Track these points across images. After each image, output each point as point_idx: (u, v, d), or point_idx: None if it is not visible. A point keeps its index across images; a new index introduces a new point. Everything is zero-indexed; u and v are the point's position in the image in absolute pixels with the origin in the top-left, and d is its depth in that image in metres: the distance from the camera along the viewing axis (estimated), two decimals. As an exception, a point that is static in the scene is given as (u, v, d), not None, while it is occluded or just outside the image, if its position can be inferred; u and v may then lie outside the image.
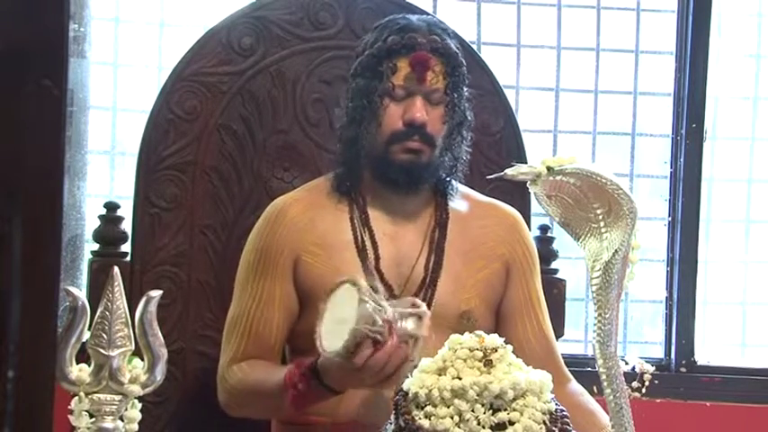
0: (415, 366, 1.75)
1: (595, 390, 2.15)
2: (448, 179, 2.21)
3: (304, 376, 1.94)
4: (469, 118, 2.20)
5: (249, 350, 2.15)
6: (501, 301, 2.23)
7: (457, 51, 2.16)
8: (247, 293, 2.17)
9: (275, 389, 2.00)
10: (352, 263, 2.14)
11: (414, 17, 2.19)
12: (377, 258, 2.16)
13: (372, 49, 2.16)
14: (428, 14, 2.44)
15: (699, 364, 3.18)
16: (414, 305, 1.88)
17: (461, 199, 2.26)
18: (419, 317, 1.87)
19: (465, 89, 2.18)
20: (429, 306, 2.12)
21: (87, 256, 2.54)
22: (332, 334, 1.84)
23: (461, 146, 2.19)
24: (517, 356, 1.74)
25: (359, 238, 2.17)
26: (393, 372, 1.84)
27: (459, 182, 2.24)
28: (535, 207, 2.33)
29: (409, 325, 1.85)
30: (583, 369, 2.42)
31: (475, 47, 2.95)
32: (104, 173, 3.06)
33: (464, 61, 2.18)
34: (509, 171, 1.72)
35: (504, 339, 1.75)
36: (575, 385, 2.21)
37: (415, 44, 2.13)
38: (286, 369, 2.00)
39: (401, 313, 1.86)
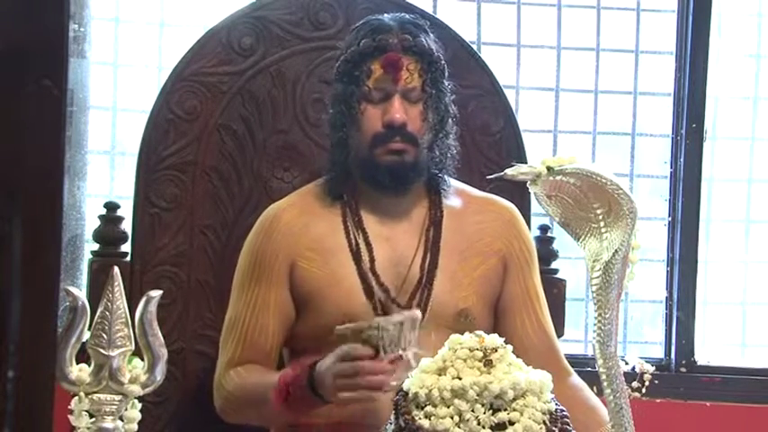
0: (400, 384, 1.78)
1: (595, 390, 2.15)
2: (439, 175, 2.20)
3: (298, 376, 1.95)
4: (452, 111, 2.19)
5: (245, 356, 2.15)
6: (499, 297, 2.22)
7: (431, 47, 2.16)
8: (242, 300, 2.18)
9: (269, 393, 2.01)
10: (348, 266, 2.14)
11: (386, 17, 2.18)
12: (372, 261, 2.15)
13: (347, 54, 2.16)
14: (421, 12, 2.45)
15: (699, 364, 3.17)
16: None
17: (456, 195, 2.25)
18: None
19: (446, 82, 2.18)
20: (426, 305, 2.13)
21: (87, 256, 2.54)
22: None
23: (447, 140, 2.19)
24: (517, 352, 1.74)
25: (353, 240, 2.17)
26: (369, 388, 1.87)
27: (452, 176, 2.24)
28: (535, 207, 2.32)
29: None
30: (583, 369, 2.41)
31: (475, 47, 2.94)
32: (104, 173, 3.06)
33: (441, 56, 2.17)
34: (509, 171, 1.72)
35: (503, 335, 1.75)
36: (576, 379, 2.20)
37: (386, 46, 2.13)
38: (282, 372, 2.02)
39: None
